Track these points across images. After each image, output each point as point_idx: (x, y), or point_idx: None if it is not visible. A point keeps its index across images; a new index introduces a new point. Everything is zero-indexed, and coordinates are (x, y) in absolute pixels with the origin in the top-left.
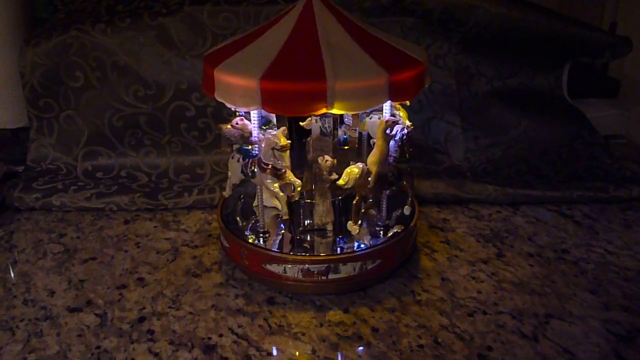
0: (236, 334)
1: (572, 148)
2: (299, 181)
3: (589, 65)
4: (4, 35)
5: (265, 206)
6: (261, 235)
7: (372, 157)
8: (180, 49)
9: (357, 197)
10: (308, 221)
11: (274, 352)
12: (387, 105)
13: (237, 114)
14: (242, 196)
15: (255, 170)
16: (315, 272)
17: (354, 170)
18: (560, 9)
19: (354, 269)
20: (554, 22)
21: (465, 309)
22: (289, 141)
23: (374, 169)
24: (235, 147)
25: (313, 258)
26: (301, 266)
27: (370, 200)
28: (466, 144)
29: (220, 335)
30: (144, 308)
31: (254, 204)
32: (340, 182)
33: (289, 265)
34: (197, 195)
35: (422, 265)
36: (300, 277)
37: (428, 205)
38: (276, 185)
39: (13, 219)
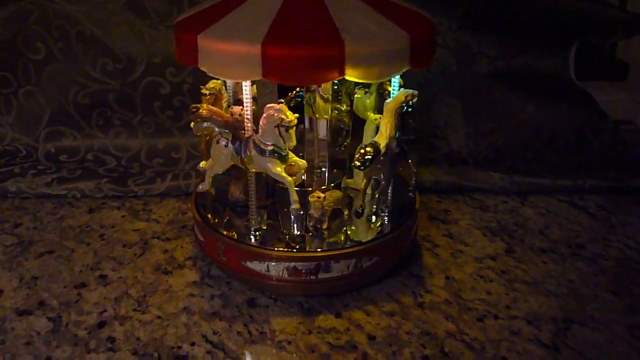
0: (210, 343)
1: (581, 134)
2: (304, 161)
3: (595, 46)
4: None
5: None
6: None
7: (382, 136)
8: (153, 19)
9: (365, 181)
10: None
11: None
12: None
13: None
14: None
15: (253, 153)
16: (303, 271)
17: (368, 149)
18: None
19: (348, 267)
20: None
21: (474, 313)
22: (297, 115)
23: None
24: (218, 130)
25: (301, 255)
26: (287, 264)
27: (383, 182)
28: (467, 129)
29: (192, 344)
30: (104, 311)
31: (231, 195)
32: (357, 162)
33: (273, 263)
34: (170, 181)
35: (423, 262)
36: (286, 276)
37: (427, 194)
38: (280, 168)
39: None
